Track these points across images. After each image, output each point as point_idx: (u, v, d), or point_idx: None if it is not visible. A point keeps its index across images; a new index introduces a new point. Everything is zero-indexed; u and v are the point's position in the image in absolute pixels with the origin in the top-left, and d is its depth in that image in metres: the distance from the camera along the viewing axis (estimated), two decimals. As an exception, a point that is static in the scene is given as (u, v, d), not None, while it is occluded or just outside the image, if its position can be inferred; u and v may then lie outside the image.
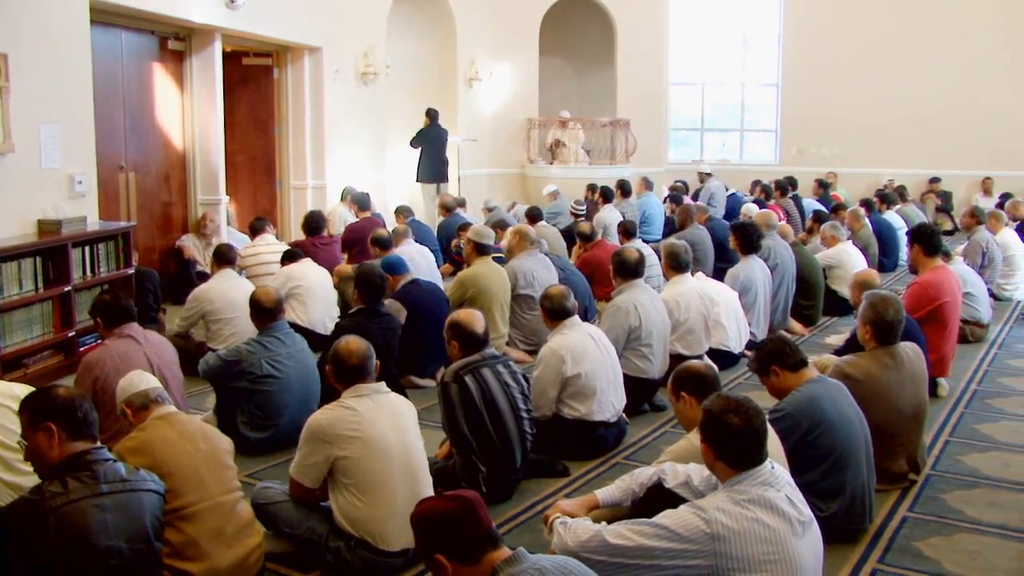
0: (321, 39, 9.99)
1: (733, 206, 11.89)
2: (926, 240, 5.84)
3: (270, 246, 7.51)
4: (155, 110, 8.24)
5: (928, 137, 14.58)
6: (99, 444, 2.83)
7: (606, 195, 10.70)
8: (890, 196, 11.78)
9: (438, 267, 8.19)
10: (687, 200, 11.52)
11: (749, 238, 6.73)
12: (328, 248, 7.80)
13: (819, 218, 9.52)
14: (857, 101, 14.81)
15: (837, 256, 8.02)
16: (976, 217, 8.57)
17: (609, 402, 4.61)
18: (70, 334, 6.02)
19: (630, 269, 5.36)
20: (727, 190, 13.01)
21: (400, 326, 5.37)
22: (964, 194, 14.34)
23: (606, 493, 3.12)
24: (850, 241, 8.58)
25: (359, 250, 7.99)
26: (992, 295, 7.84)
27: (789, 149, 15.69)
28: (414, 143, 11.45)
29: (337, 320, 6.15)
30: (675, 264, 6.01)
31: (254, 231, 7.85)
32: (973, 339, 6.94)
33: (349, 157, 10.69)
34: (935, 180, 14.50)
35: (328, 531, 3.38)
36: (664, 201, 11.91)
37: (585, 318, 6.03)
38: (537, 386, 4.49)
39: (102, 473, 2.73)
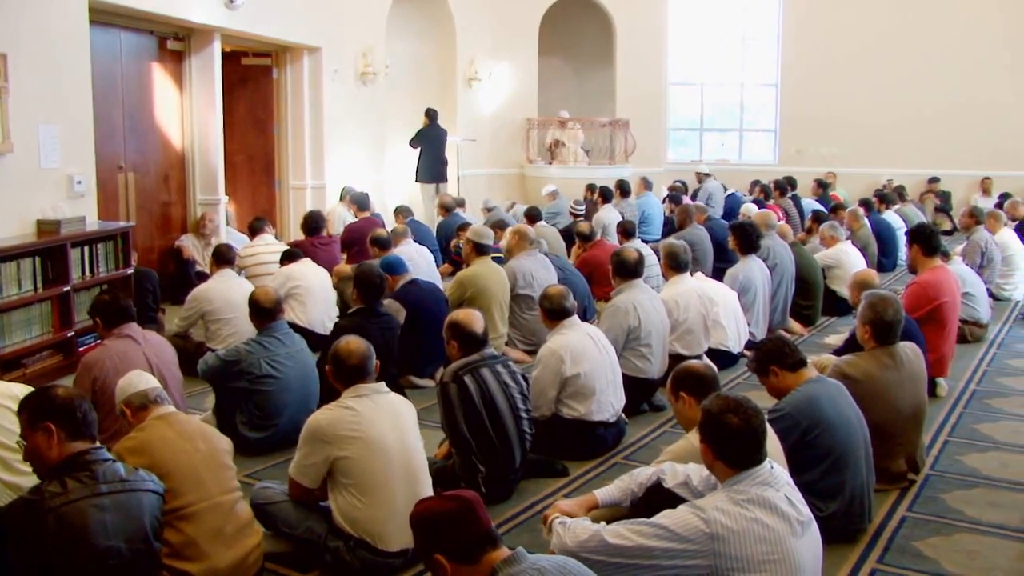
0: (320, 39, 9.99)
1: (732, 206, 11.89)
2: (925, 240, 5.84)
3: (269, 246, 7.51)
4: (154, 110, 8.24)
5: (927, 137, 14.58)
6: (98, 444, 2.83)
7: (605, 195, 10.71)
8: (889, 196, 11.78)
9: (437, 267, 8.19)
10: (686, 200, 11.53)
11: (748, 238, 6.74)
12: (327, 248, 7.80)
13: (818, 218, 9.52)
14: (856, 101, 14.81)
15: (836, 256, 8.03)
16: (975, 217, 8.57)
17: (608, 402, 4.61)
18: (69, 334, 6.02)
19: (629, 269, 5.36)
20: (725, 190, 13.01)
21: (399, 326, 5.37)
22: (963, 194, 14.34)
23: (605, 493, 3.12)
24: (849, 241, 8.58)
25: (358, 250, 7.99)
26: (991, 295, 7.84)
27: (788, 149, 15.69)
28: (413, 143, 11.45)
29: (336, 320, 6.15)
30: (674, 264, 6.01)
31: (253, 231, 7.85)
32: (972, 339, 6.94)
33: (348, 157, 10.69)
34: (934, 180, 14.51)
35: (327, 531, 3.38)
36: (663, 201, 11.92)
37: (584, 318, 6.03)
38: (536, 386, 4.49)
39: (101, 473, 2.73)
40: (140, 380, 3.33)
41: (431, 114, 11.58)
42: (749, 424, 2.63)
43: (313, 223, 7.85)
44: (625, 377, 4.88)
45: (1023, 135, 14.08)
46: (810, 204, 11.93)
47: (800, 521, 2.61)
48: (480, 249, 6.47)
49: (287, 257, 6.77)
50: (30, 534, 2.58)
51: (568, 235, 9.01)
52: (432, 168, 11.51)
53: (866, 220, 9.83)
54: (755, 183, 12.72)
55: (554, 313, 4.63)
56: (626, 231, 7.83)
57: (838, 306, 7.76)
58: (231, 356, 4.65)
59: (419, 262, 7.21)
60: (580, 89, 16.14)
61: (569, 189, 12.09)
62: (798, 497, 2.68)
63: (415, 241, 7.80)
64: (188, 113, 8.57)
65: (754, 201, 11.37)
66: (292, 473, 3.42)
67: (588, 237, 8.18)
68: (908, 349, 4.25)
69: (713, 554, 2.51)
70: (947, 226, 13.53)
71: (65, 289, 5.98)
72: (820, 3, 15.07)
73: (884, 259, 9.97)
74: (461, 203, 10.76)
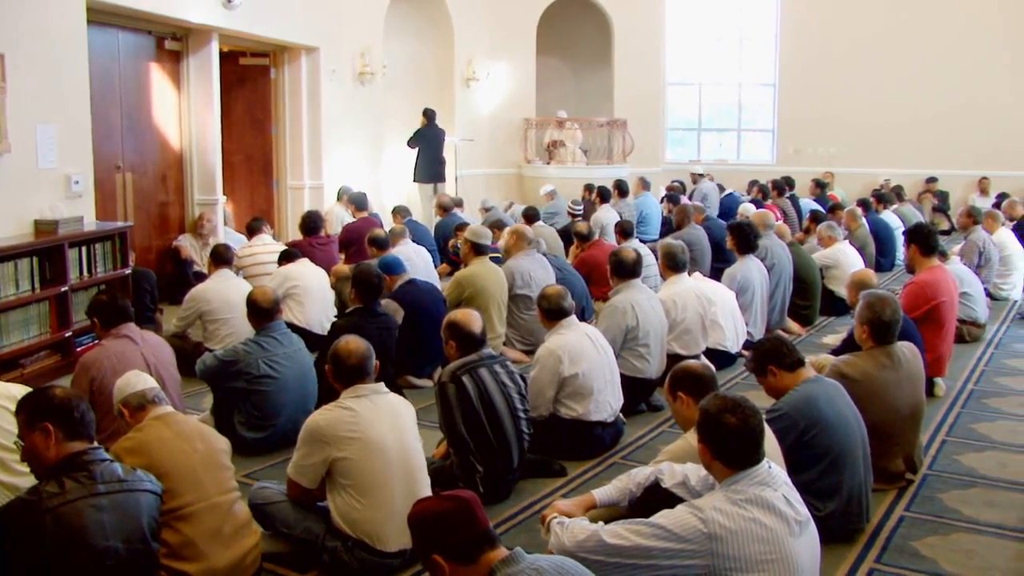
0: (318, 39, 9.98)
1: (730, 206, 11.90)
2: (923, 240, 5.85)
3: (267, 246, 7.51)
4: (152, 110, 8.23)
5: (925, 137, 14.59)
6: (96, 444, 2.82)
7: (603, 195, 10.71)
8: (887, 196, 11.79)
9: (435, 267, 8.19)
10: (684, 200, 11.53)
11: (746, 238, 6.74)
12: (325, 248, 7.79)
13: (816, 218, 9.52)
14: (854, 101, 14.82)
15: (834, 256, 8.03)
16: (973, 217, 8.58)
17: (606, 402, 4.61)
18: (67, 334, 6.01)
19: (627, 269, 5.37)
20: (722, 190, 13.01)
21: (397, 326, 5.37)
22: (961, 194, 14.35)
23: (603, 493, 3.12)
24: (847, 241, 8.59)
25: (356, 250, 7.99)
26: (989, 295, 7.85)
27: (786, 149, 15.69)
28: (411, 143, 11.45)
29: (334, 320, 6.15)
30: (672, 264, 6.01)
31: (251, 231, 7.84)
32: (970, 339, 6.95)
33: (346, 157, 10.68)
34: (932, 180, 14.52)
35: (325, 531, 3.38)
36: (661, 201, 11.92)
37: (582, 318, 6.04)
38: (534, 386, 4.49)
39: (99, 473, 2.72)
40: (138, 380, 3.32)
41: (429, 114, 11.57)
42: (747, 424, 2.63)
43: (311, 223, 7.84)
44: (623, 377, 4.89)
45: (1021, 135, 14.08)
46: (808, 204, 11.93)
47: (798, 521, 2.61)
48: (478, 249, 6.46)
49: (285, 257, 6.76)
50: (28, 534, 2.57)
51: (566, 235, 9.01)
52: (430, 168, 11.50)
53: (864, 220, 9.84)
54: (753, 183, 12.72)
55: (552, 313, 4.64)
56: (624, 231, 7.84)
57: (836, 306, 7.76)
58: (229, 356, 4.65)
59: (417, 262, 7.21)
60: (578, 89, 16.14)
61: (567, 189, 12.10)
62: (796, 497, 2.68)
63: (413, 241, 7.81)
64: (186, 113, 8.57)
65: (752, 201, 11.38)
66: (290, 473, 3.42)
67: (586, 237, 8.18)
68: (906, 349, 4.25)
69: (711, 554, 2.51)
70: (945, 226, 13.53)
71: (63, 289, 5.98)
72: (818, 3, 15.07)
73: (882, 259, 9.98)
74: (459, 203, 10.75)
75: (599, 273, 7.08)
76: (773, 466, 2.70)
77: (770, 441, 3.06)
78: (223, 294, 5.94)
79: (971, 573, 3.43)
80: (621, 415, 4.83)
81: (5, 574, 2.59)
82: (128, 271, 6.62)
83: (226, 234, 8.73)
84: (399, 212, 9.34)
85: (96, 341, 4.73)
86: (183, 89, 8.54)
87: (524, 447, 4.15)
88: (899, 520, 3.87)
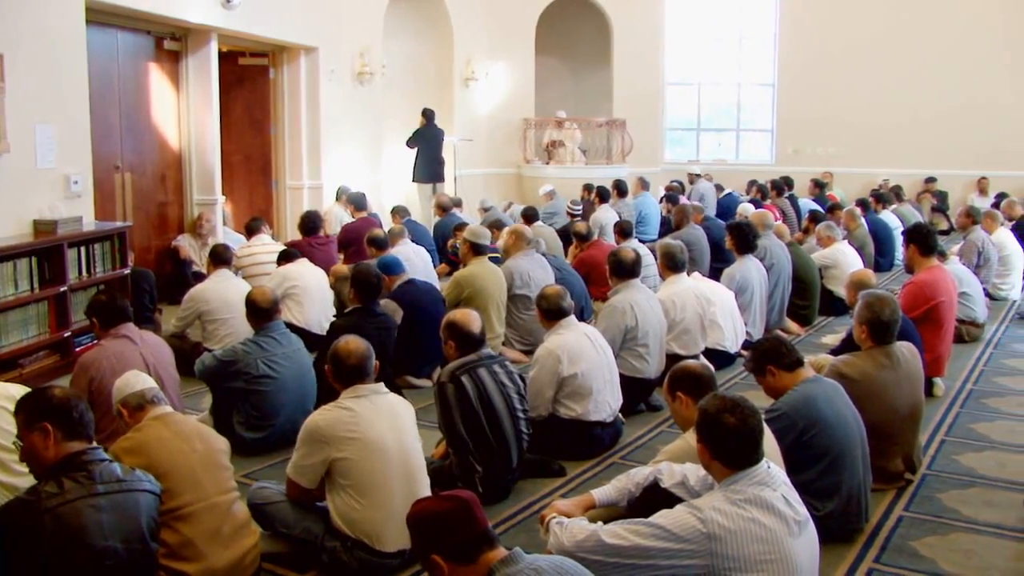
0: (317, 39, 9.98)
1: (729, 206, 11.90)
2: (922, 240, 5.85)
3: (266, 246, 7.51)
4: (151, 110, 8.23)
5: (924, 137, 14.59)
6: (95, 444, 2.82)
7: (602, 195, 10.71)
8: (886, 196, 11.78)
9: (434, 267, 8.19)
10: (683, 200, 11.53)
11: (745, 238, 6.74)
12: (324, 248, 7.79)
13: (815, 218, 9.52)
14: (853, 101, 14.82)
15: (833, 256, 8.03)
16: (972, 217, 8.58)
17: (605, 402, 4.61)
18: (66, 334, 6.01)
19: (626, 269, 5.37)
20: (720, 190, 13.00)
21: (396, 326, 5.37)
22: (960, 194, 14.35)
23: (602, 493, 3.12)
24: (846, 241, 8.59)
25: (355, 250, 7.99)
26: (988, 295, 7.85)
27: (785, 149, 15.69)
28: (410, 143, 11.45)
29: (332, 320, 6.15)
30: (671, 264, 6.01)
31: (250, 231, 7.84)
32: (969, 339, 6.95)
33: (345, 157, 10.68)
34: (931, 180, 14.53)
35: (324, 531, 3.38)
36: (660, 201, 11.92)
37: (581, 318, 6.04)
38: (533, 386, 4.49)
39: (98, 473, 2.72)
40: (137, 380, 3.32)
41: (428, 114, 11.57)
42: (746, 424, 2.63)
43: (310, 223, 7.84)
44: (622, 377, 4.89)
45: (1020, 135, 14.09)
46: (807, 204, 11.93)
47: (797, 521, 2.61)
48: (477, 249, 6.46)
49: (284, 257, 6.76)
50: (27, 534, 2.57)
51: (565, 235, 9.01)
52: (429, 168, 11.51)
53: (863, 220, 9.84)
54: (752, 183, 12.73)
55: (551, 313, 4.64)
56: (623, 231, 7.84)
57: (835, 306, 7.76)
58: (228, 356, 4.64)
59: (416, 262, 7.21)
60: (577, 89, 16.14)
61: (566, 189, 12.10)
62: (795, 497, 2.68)
63: (412, 241, 7.81)
64: (185, 113, 8.57)
65: (751, 201, 11.38)
66: (290, 473, 3.42)
67: (585, 237, 8.18)
68: (905, 349, 4.25)
69: (710, 554, 2.51)
70: (944, 226, 13.53)
71: (62, 289, 5.98)
72: (817, 3, 15.08)
73: (881, 259, 9.98)
74: (458, 203, 10.76)
75: (598, 273, 7.08)
76: (772, 466, 2.70)
77: (769, 441, 3.06)
78: (222, 294, 5.94)
79: (970, 573, 3.43)
80: (620, 415, 4.83)
81: (4, 574, 2.58)
82: (127, 271, 6.62)
83: (225, 234, 8.73)
84: (398, 212, 9.34)
85: (95, 341, 4.73)
86: (182, 89, 8.54)
87: (523, 447, 4.15)
88: (898, 520, 3.87)
